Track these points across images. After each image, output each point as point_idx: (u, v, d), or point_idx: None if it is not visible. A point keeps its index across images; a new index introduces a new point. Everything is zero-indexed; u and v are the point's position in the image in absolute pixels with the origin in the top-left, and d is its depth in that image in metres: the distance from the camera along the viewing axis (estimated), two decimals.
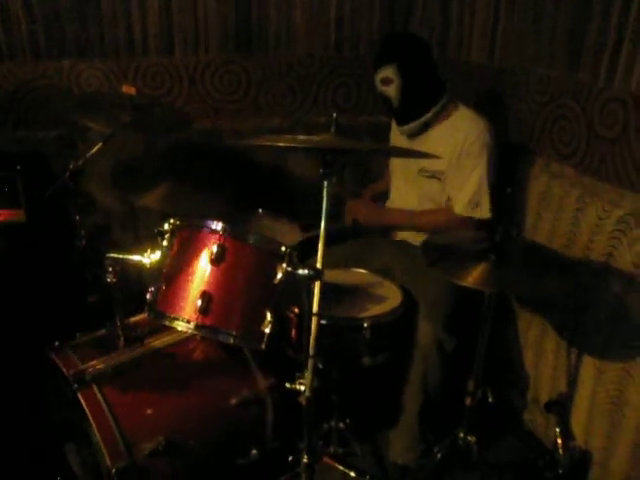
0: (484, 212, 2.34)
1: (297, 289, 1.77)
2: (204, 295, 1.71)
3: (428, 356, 2.19)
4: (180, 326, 1.74)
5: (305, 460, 1.69)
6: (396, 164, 2.68)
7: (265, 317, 1.75)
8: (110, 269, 1.98)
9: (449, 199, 2.44)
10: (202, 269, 1.75)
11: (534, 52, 2.52)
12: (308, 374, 1.55)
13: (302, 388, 1.59)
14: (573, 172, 2.34)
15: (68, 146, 2.79)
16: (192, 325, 1.71)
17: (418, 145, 2.39)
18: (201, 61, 2.94)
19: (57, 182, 2.26)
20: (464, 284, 1.74)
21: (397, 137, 2.61)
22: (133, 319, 2.16)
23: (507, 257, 1.83)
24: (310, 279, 1.53)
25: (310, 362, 1.54)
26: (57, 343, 2.08)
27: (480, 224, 2.33)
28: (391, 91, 2.36)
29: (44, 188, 2.33)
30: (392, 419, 2.39)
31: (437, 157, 1.69)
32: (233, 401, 2.09)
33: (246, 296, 1.77)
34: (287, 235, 2.61)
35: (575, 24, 2.28)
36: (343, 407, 2.40)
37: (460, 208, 2.38)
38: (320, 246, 1.50)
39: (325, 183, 1.50)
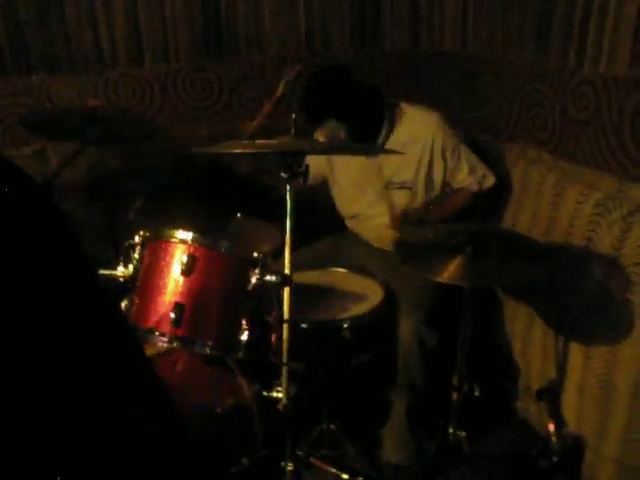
0: (491, 180, 2.38)
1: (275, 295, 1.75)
2: (176, 306, 1.69)
3: (410, 354, 2.16)
4: (154, 339, 1.72)
5: (290, 467, 1.67)
6: (350, 179, 2.53)
7: (241, 325, 1.73)
8: None
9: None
10: (173, 280, 1.73)
11: (504, 39, 2.50)
12: (284, 381, 1.52)
13: (279, 395, 1.56)
14: (550, 157, 2.32)
15: (43, 162, 2.76)
16: (166, 337, 1.69)
17: (378, 160, 2.37)
18: (172, 69, 2.90)
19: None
20: (439, 280, 1.72)
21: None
22: None
23: (484, 249, 1.81)
24: (279, 285, 1.50)
25: (284, 369, 1.51)
26: None
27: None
28: (341, 136, 2.34)
29: None
30: (382, 418, 2.37)
31: (400, 152, 1.66)
32: (219, 411, 2.06)
33: (220, 305, 1.75)
34: (268, 238, 2.59)
35: (542, 9, 2.26)
36: (332, 409, 2.38)
37: (475, 186, 2.39)
38: (286, 251, 1.48)
39: (287, 187, 1.47)
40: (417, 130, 2.34)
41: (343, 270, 2.32)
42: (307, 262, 2.40)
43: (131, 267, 1.86)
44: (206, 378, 2.13)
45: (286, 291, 1.50)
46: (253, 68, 2.98)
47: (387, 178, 2.39)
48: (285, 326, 1.49)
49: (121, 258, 1.89)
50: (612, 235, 2.01)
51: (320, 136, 2.41)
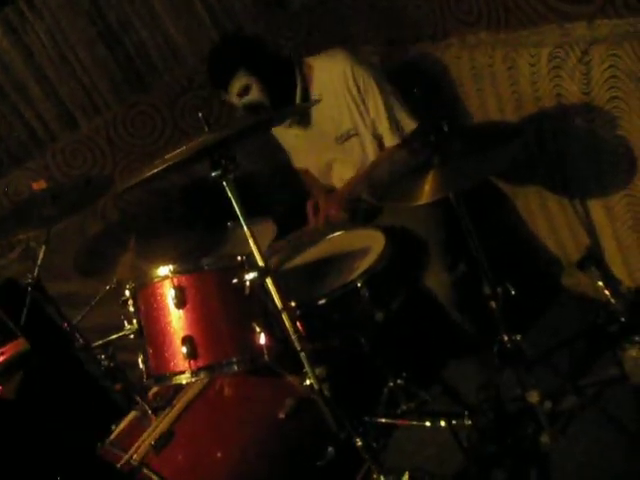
0: (408, 125, 2.27)
1: (285, 284, 1.71)
2: (185, 340, 1.66)
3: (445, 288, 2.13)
4: (181, 380, 1.70)
5: (359, 443, 1.63)
6: (308, 155, 2.53)
7: (254, 329, 1.70)
8: (103, 356, 1.96)
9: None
10: (172, 317, 1.71)
11: None
12: (308, 368, 1.48)
13: (310, 382, 1.52)
14: (488, 35, 2.22)
15: (31, 258, 2.76)
16: (188, 374, 1.66)
17: (311, 123, 2.33)
18: (107, 119, 2.86)
19: (26, 303, 2.24)
20: (420, 203, 1.64)
21: (290, 137, 2.52)
22: (155, 388, 2.13)
23: (451, 152, 1.72)
24: (260, 279, 1.46)
25: (302, 356, 1.47)
26: (98, 445, 2.07)
27: (412, 137, 2.24)
28: (255, 94, 2.23)
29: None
30: (443, 355, 2.33)
31: (318, 100, 1.58)
32: (282, 415, 2.04)
33: (226, 320, 1.72)
34: (263, 234, 2.54)
35: None
36: (391, 365, 2.33)
37: (390, 139, 2.28)
38: (252, 243, 1.43)
39: (225, 184, 1.42)
40: (329, 78, 2.25)
41: (338, 232, 2.26)
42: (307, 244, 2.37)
43: (134, 321, 1.84)
44: (257, 391, 2.11)
45: (269, 282, 1.45)
46: (180, 82, 2.92)
47: (333, 135, 2.33)
48: (284, 315, 1.44)
49: (122, 317, 1.88)
50: (577, 81, 1.91)
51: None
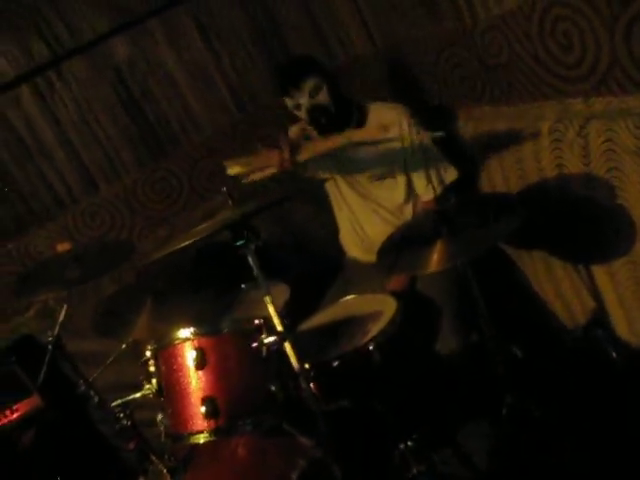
0: (451, 174, 2.37)
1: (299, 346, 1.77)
2: (204, 401, 1.72)
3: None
4: (198, 439, 1.75)
5: None
6: (340, 189, 2.56)
7: (270, 390, 1.76)
8: (121, 415, 2.00)
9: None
10: (192, 378, 1.77)
11: (403, 21, 2.54)
12: (322, 427, 1.53)
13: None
14: (491, 109, 2.34)
15: (49, 317, 2.83)
16: (207, 434, 1.71)
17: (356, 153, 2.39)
18: (127, 184, 2.99)
19: (46, 360, 2.30)
20: (428, 272, 1.72)
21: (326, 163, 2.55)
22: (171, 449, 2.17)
23: (458, 223, 1.81)
24: (279, 343, 1.53)
25: (320, 418, 1.52)
26: None
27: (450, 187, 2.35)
28: (324, 97, 2.31)
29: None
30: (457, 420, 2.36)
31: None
32: (294, 476, 2.06)
33: (243, 381, 1.78)
34: (276, 297, 2.61)
35: None
36: (403, 427, 2.36)
37: (424, 192, 2.39)
38: (271, 309, 1.50)
39: (247, 254, 1.50)
40: (385, 118, 2.33)
41: (352, 296, 2.33)
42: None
43: (154, 381, 1.90)
44: (270, 451, 2.13)
45: (287, 346, 1.52)
46: (199, 149, 3.05)
47: (367, 173, 2.43)
48: (301, 378, 1.50)
49: (141, 378, 1.94)
50: (576, 153, 2.02)
51: (292, 131, 2.43)
